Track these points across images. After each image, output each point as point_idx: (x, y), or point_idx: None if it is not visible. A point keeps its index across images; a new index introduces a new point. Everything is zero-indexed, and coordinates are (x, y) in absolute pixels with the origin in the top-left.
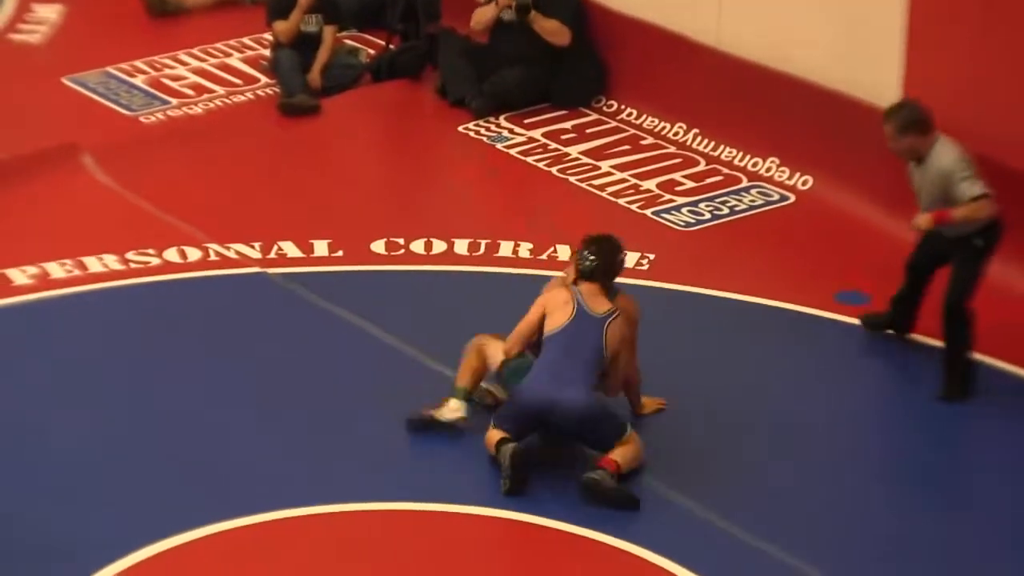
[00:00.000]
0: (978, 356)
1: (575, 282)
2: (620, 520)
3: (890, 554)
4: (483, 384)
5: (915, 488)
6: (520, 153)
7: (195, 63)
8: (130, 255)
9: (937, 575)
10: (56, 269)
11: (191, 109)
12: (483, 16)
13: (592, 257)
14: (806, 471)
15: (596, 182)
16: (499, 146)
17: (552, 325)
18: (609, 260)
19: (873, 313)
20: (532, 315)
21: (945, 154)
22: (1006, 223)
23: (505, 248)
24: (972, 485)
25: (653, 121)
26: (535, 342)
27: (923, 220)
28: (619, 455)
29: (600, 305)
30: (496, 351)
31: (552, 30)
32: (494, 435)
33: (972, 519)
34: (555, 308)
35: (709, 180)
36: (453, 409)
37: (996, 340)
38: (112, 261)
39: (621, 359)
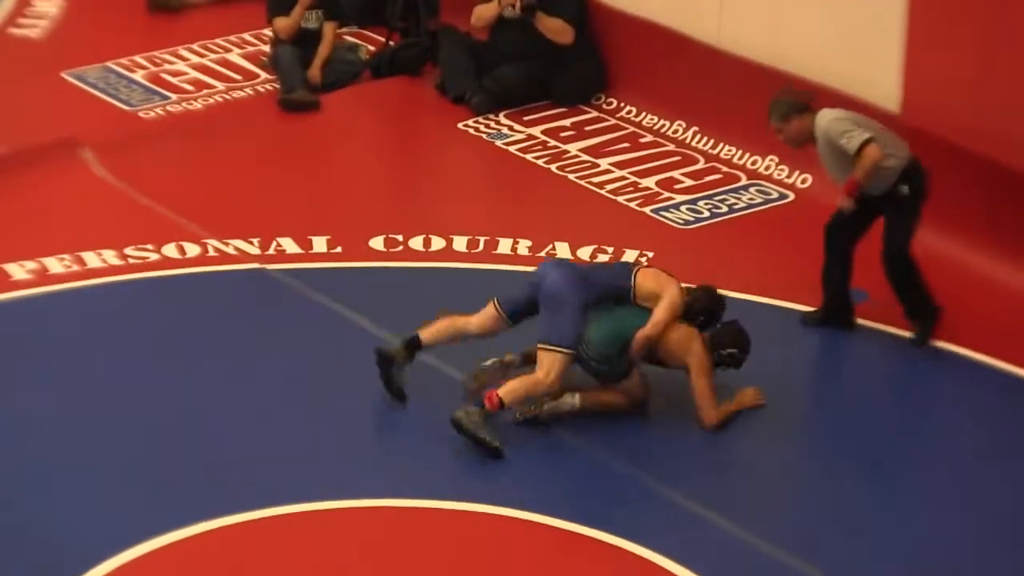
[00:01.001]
0: (969, 352)
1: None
2: (611, 515)
3: (885, 550)
4: (482, 364)
5: (911, 485)
6: (519, 150)
7: (195, 59)
8: (129, 250)
9: (930, 567)
10: (55, 264)
11: (191, 104)
12: (484, 13)
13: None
14: (802, 468)
15: (595, 180)
16: (499, 143)
17: None
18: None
19: (811, 312)
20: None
21: (822, 121)
22: (929, 171)
23: (504, 245)
24: (970, 481)
25: (652, 119)
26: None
27: (844, 202)
28: (505, 389)
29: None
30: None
31: (556, 29)
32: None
33: (969, 515)
34: None
35: (708, 178)
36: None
37: (986, 337)
38: (111, 256)
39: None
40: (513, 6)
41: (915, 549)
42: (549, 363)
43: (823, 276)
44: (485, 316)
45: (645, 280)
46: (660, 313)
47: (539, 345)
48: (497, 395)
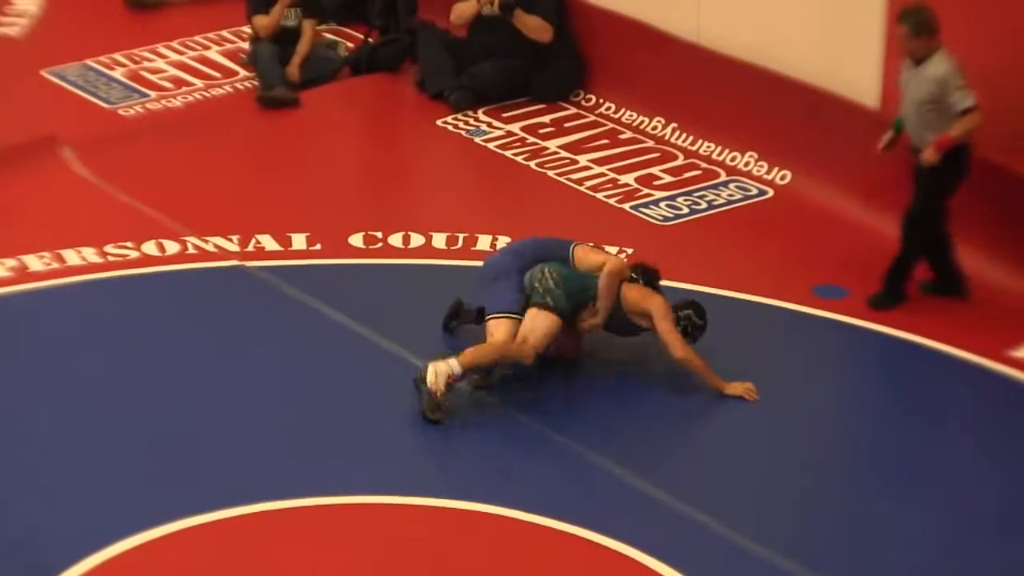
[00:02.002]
0: (953, 350)
1: None
2: (589, 511)
3: (868, 543)
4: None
5: (891, 478)
6: (498, 147)
7: (174, 56)
8: (108, 248)
9: (919, 564)
10: (34, 262)
11: (170, 102)
12: (464, 11)
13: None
14: (783, 464)
15: (574, 176)
16: (478, 140)
17: None
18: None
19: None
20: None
21: (942, 62)
22: (986, 208)
23: (483, 242)
24: (955, 474)
25: (632, 115)
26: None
27: (930, 154)
28: (469, 351)
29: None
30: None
31: (535, 27)
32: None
33: (957, 509)
34: None
35: (687, 174)
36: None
37: (961, 329)
38: (90, 254)
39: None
40: (492, 3)
41: (897, 541)
42: (503, 329)
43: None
44: (507, 332)
45: (584, 253)
46: (603, 283)
47: (487, 319)
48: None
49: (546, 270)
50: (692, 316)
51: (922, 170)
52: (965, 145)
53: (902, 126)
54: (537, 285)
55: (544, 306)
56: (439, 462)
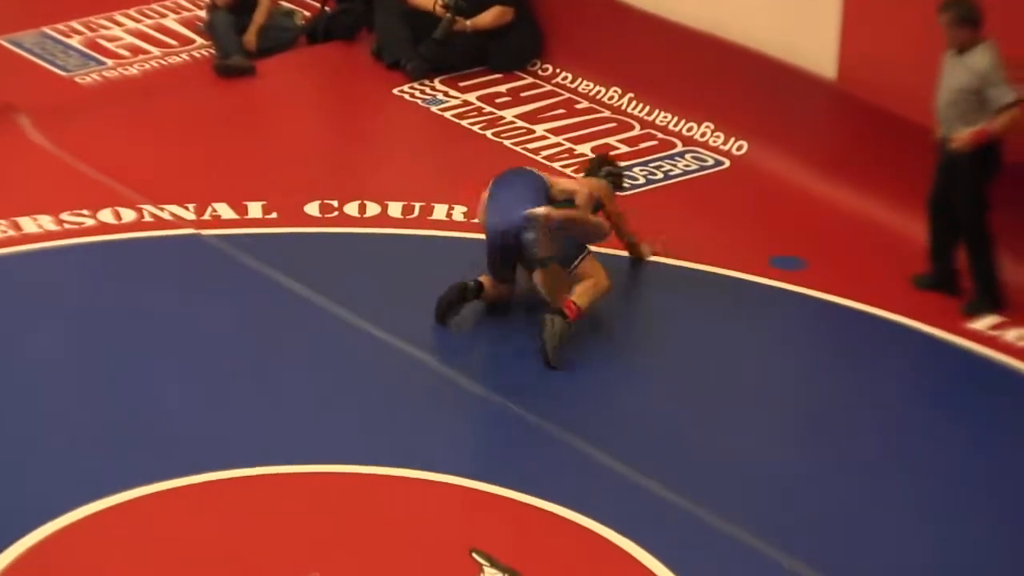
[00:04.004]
0: (912, 322)
1: None
2: (550, 482)
3: (832, 517)
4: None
5: (852, 451)
6: (455, 116)
7: (131, 24)
8: (65, 216)
9: (904, 544)
10: None
11: (127, 70)
12: (421, 0)
13: None
14: (741, 435)
15: (531, 146)
16: (434, 109)
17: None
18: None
19: (923, 274)
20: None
21: (984, 55)
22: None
23: (439, 211)
24: (918, 448)
25: (588, 85)
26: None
27: (962, 142)
28: (579, 296)
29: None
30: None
31: (492, 22)
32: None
33: (936, 484)
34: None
35: (644, 145)
36: None
37: (926, 305)
38: (47, 222)
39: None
40: (445, 8)
41: (853, 513)
42: (594, 270)
43: (931, 248)
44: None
45: (557, 181)
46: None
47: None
48: (573, 303)
49: None
50: (611, 170)
51: (952, 162)
52: (997, 139)
53: None
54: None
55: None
56: (390, 431)
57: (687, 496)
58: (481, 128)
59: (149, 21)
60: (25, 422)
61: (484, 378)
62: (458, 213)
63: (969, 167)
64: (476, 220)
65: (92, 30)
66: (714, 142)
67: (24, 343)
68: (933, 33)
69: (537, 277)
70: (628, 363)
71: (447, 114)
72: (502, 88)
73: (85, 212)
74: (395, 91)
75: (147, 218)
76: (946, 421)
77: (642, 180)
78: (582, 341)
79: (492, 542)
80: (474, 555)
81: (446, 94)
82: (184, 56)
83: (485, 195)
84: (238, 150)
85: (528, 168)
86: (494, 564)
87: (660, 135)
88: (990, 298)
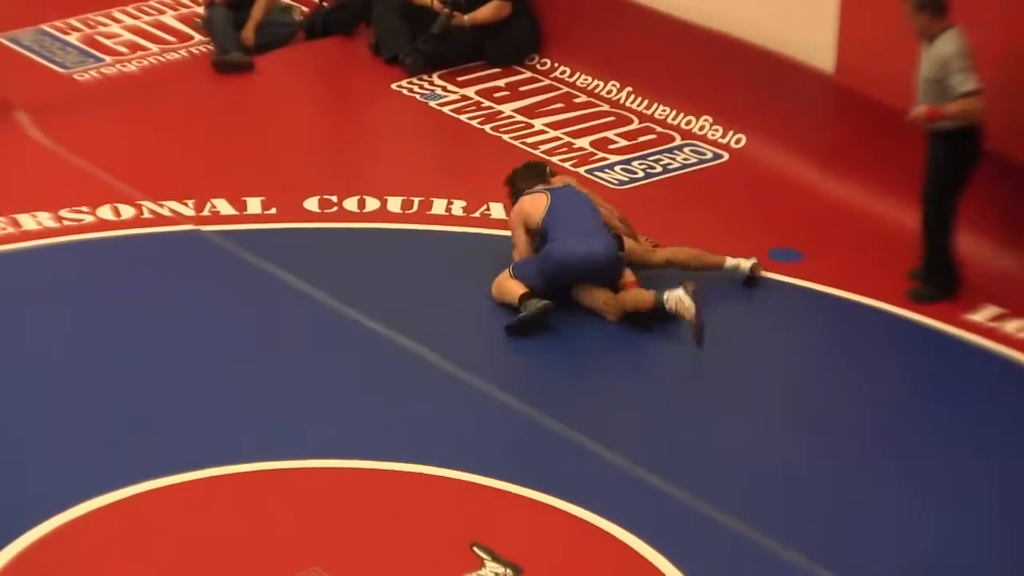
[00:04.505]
0: (910, 313)
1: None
2: (568, 484)
3: (829, 508)
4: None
5: (845, 441)
6: (453, 111)
7: (129, 21)
8: (64, 212)
9: (903, 537)
10: None
11: (125, 67)
12: None
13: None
14: (740, 428)
15: (529, 140)
16: (432, 104)
17: (539, 211)
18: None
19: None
20: (518, 232)
21: (949, 42)
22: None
23: (438, 206)
24: (917, 440)
25: (586, 79)
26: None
27: (918, 111)
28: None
29: (559, 182)
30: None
31: (490, 16)
32: (515, 286)
33: (935, 476)
34: (531, 207)
35: (642, 138)
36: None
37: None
38: (46, 219)
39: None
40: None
41: (859, 511)
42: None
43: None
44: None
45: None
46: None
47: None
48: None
49: None
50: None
51: (934, 150)
52: (974, 130)
53: None
54: None
55: None
56: (390, 426)
57: (688, 490)
58: (480, 123)
59: (147, 18)
60: (24, 419)
61: (485, 373)
62: (457, 208)
63: (944, 152)
64: (510, 229)
65: (90, 27)
66: (712, 135)
67: (23, 340)
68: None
69: (588, 293)
70: (628, 357)
71: (445, 109)
72: (500, 83)
73: (84, 209)
74: (393, 86)
75: (146, 214)
76: (945, 413)
77: (641, 174)
78: (581, 335)
79: (493, 536)
80: (475, 549)
81: (444, 89)
82: (182, 52)
83: (544, 203)
84: (237, 146)
85: (576, 188)
86: (495, 558)
87: (659, 129)
88: (942, 284)
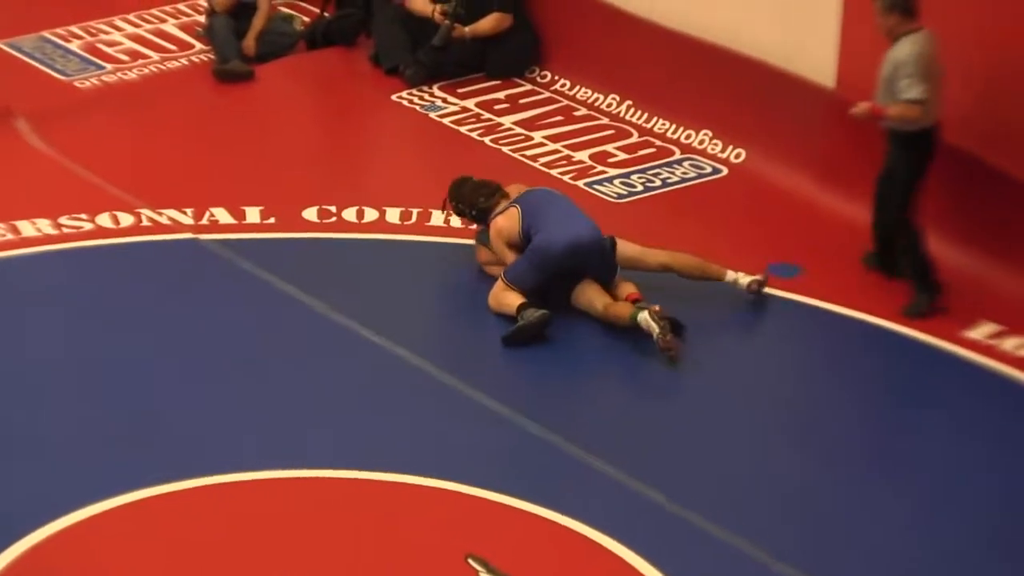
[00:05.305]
0: (908, 331)
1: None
2: (563, 496)
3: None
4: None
5: (839, 456)
6: (453, 122)
7: (130, 29)
8: (63, 219)
9: (896, 555)
10: None
11: (126, 75)
12: (420, 6)
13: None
14: (737, 442)
15: (529, 152)
16: (432, 115)
17: (515, 222)
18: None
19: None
20: (502, 249)
21: (908, 45)
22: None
23: (437, 217)
24: (913, 456)
25: (586, 92)
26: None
27: (861, 107)
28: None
29: (515, 190)
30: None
31: (491, 28)
32: (513, 297)
33: (932, 493)
34: (507, 223)
35: (642, 152)
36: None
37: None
38: (45, 225)
39: None
40: (443, 15)
41: (847, 522)
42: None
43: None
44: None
45: None
46: None
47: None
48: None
49: None
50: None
51: (889, 148)
52: (928, 132)
53: None
54: None
55: None
56: (387, 437)
57: (684, 504)
58: (479, 135)
59: (148, 26)
60: (24, 425)
61: (482, 384)
62: (455, 219)
63: (897, 151)
64: (504, 238)
65: (92, 35)
66: (712, 150)
67: (22, 347)
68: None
69: (585, 295)
70: (625, 369)
71: (445, 120)
72: (500, 95)
73: (83, 216)
74: (393, 97)
75: (145, 222)
76: (943, 430)
77: (640, 187)
78: (578, 346)
79: (488, 548)
80: (469, 560)
81: (444, 100)
82: (183, 61)
83: (516, 215)
84: (236, 155)
85: (549, 189)
86: (490, 570)
87: (658, 142)
88: (927, 291)
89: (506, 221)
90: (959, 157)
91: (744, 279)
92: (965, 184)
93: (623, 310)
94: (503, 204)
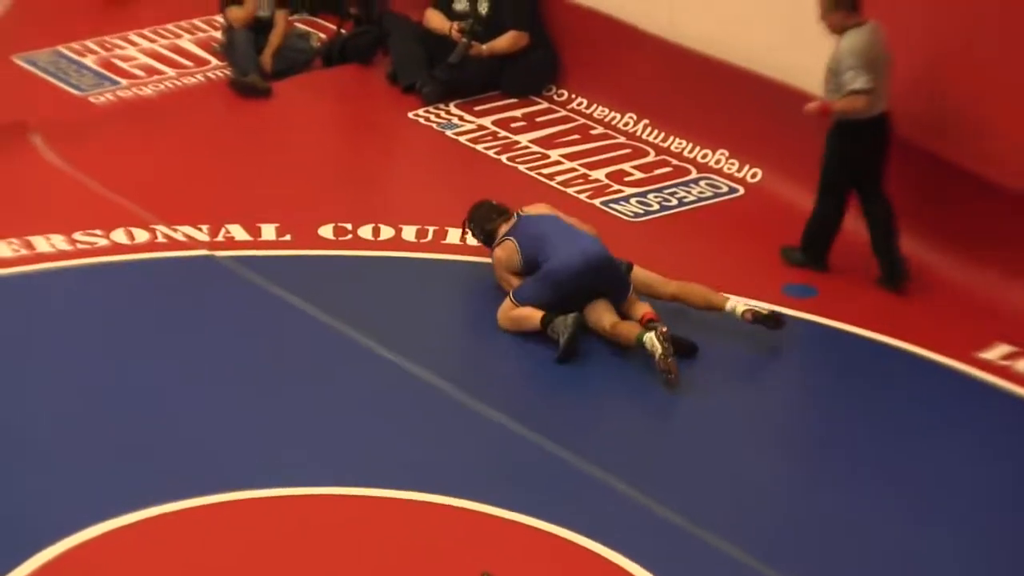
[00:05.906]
0: (922, 351)
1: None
2: (575, 514)
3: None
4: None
5: (845, 468)
6: (470, 140)
7: (146, 44)
8: (78, 235)
9: (876, 565)
10: (3, 248)
11: (141, 90)
12: (432, 20)
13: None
14: (749, 463)
15: (545, 171)
16: (449, 133)
17: (514, 254)
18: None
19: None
20: (503, 276)
21: (853, 37)
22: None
23: (453, 235)
24: (926, 476)
25: (603, 111)
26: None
27: (811, 105)
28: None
29: (506, 226)
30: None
31: (507, 47)
32: (530, 312)
33: (945, 514)
34: (505, 255)
35: (658, 171)
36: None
37: (937, 335)
38: (60, 241)
39: None
40: (461, 32)
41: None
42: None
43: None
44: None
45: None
46: None
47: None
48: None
49: None
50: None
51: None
52: (877, 120)
53: None
54: None
55: None
56: (401, 454)
57: (694, 520)
58: (496, 152)
59: (164, 41)
60: (37, 441)
61: (497, 402)
62: (471, 237)
63: (838, 141)
64: (504, 267)
65: (107, 50)
66: (729, 169)
67: (36, 363)
68: (943, 60)
69: (595, 313)
70: (636, 386)
71: (462, 138)
72: (517, 113)
73: (98, 232)
74: (410, 114)
75: (160, 239)
76: (957, 452)
77: (656, 207)
78: (588, 364)
79: (497, 564)
80: None
81: (461, 118)
82: (199, 77)
83: (512, 247)
84: (252, 172)
85: (533, 214)
86: None
87: (675, 162)
88: (813, 256)
89: (503, 253)
90: (973, 178)
91: (740, 307)
92: (979, 205)
93: (629, 330)
94: (503, 229)
